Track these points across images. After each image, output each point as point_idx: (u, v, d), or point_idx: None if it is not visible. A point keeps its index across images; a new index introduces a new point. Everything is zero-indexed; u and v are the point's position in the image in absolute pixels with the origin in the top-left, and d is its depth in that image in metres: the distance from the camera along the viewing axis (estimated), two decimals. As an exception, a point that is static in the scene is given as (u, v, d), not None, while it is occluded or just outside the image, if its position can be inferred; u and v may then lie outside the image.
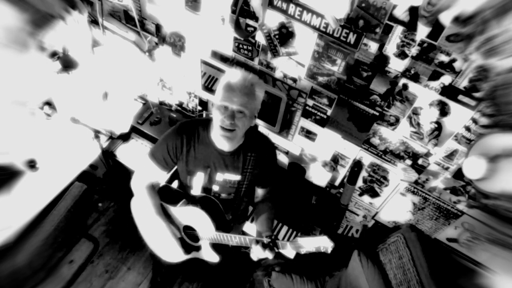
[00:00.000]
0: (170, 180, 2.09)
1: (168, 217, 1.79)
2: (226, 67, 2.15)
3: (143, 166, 1.70)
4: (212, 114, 1.53)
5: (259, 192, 1.84)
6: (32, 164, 2.28)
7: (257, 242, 1.57)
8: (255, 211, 1.83)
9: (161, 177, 1.74)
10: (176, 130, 1.63)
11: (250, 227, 2.38)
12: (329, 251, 1.41)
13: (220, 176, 1.69)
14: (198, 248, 1.86)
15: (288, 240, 1.56)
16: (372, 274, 2.08)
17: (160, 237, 1.78)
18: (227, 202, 1.78)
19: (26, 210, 2.33)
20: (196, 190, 1.75)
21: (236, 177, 1.69)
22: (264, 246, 1.54)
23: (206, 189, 1.74)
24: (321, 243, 1.40)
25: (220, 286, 2.81)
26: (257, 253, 1.57)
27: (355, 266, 2.16)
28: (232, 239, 1.65)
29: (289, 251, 1.53)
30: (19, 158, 2.23)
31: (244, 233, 2.33)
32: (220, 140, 1.54)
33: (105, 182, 3.13)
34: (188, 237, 1.87)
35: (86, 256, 2.78)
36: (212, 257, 1.86)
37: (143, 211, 1.78)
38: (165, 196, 1.82)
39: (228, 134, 1.50)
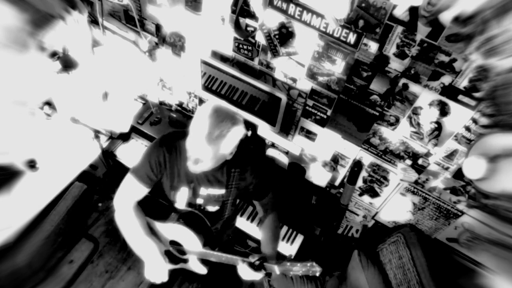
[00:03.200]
0: (154, 191, 2.03)
1: (154, 232, 1.74)
2: (226, 67, 2.14)
3: (127, 184, 1.64)
4: None
5: (258, 206, 1.78)
6: (32, 164, 2.28)
7: (245, 262, 1.53)
8: (260, 228, 1.77)
9: (145, 192, 1.68)
10: (157, 145, 1.57)
11: (249, 226, 2.38)
12: (317, 274, 1.41)
13: (204, 191, 1.64)
14: (185, 261, 1.82)
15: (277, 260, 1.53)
16: (372, 274, 2.08)
17: (148, 257, 1.71)
18: (213, 214, 1.74)
19: (26, 210, 2.33)
20: (181, 203, 1.70)
21: (221, 191, 1.64)
22: (251, 267, 1.51)
23: (191, 203, 1.70)
24: (310, 268, 1.40)
25: (220, 286, 2.80)
26: (244, 273, 1.54)
27: (355, 266, 2.16)
28: (220, 257, 1.61)
29: (276, 274, 1.52)
30: (19, 158, 2.23)
31: (236, 229, 2.27)
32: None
33: (105, 182, 3.13)
34: (175, 250, 1.82)
35: (86, 256, 2.78)
36: (199, 269, 1.82)
37: (131, 231, 1.70)
38: (150, 210, 1.76)
39: (196, 170, 1.47)
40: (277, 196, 1.81)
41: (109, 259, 2.81)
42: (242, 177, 1.62)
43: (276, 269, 1.47)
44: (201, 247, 1.66)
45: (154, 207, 1.81)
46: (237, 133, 1.40)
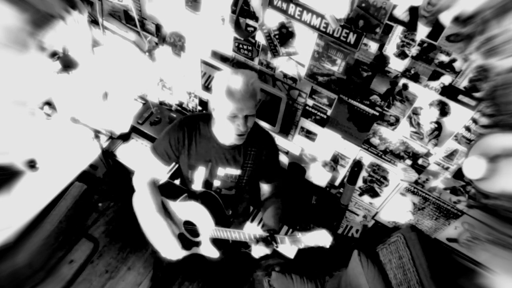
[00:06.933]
0: (172, 177, 2.10)
1: (168, 213, 1.82)
2: (226, 67, 2.15)
3: (146, 161, 1.72)
4: (216, 119, 1.55)
5: (265, 188, 1.85)
6: (32, 164, 2.27)
7: (256, 237, 1.58)
8: (263, 208, 1.84)
9: (163, 171, 1.76)
10: (177, 124, 1.65)
11: (251, 228, 2.38)
12: (327, 246, 1.41)
13: (222, 171, 1.71)
14: (198, 244, 1.88)
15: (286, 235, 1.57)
16: (372, 274, 2.08)
17: (160, 234, 1.80)
18: (228, 197, 1.80)
19: (26, 210, 2.33)
20: (198, 184, 1.77)
21: (237, 172, 1.71)
22: (263, 240, 1.55)
23: (208, 184, 1.76)
24: (320, 238, 1.42)
25: (220, 286, 2.81)
26: (257, 249, 1.58)
27: (355, 266, 2.16)
28: (231, 234, 1.67)
29: (288, 246, 1.54)
30: (19, 158, 2.23)
31: None
32: (235, 141, 1.57)
33: (105, 182, 3.13)
34: (188, 232, 1.89)
35: (86, 256, 2.78)
36: (212, 252, 1.87)
37: (145, 207, 1.80)
38: (167, 192, 1.84)
39: (244, 136, 1.55)
40: (284, 187, 1.87)
41: (109, 259, 2.81)
42: (257, 157, 1.69)
43: (287, 240, 1.50)
44: (214, 225, 1.70)
45: (171, 189, 1.87)
46: (258, 80, 1.51)
